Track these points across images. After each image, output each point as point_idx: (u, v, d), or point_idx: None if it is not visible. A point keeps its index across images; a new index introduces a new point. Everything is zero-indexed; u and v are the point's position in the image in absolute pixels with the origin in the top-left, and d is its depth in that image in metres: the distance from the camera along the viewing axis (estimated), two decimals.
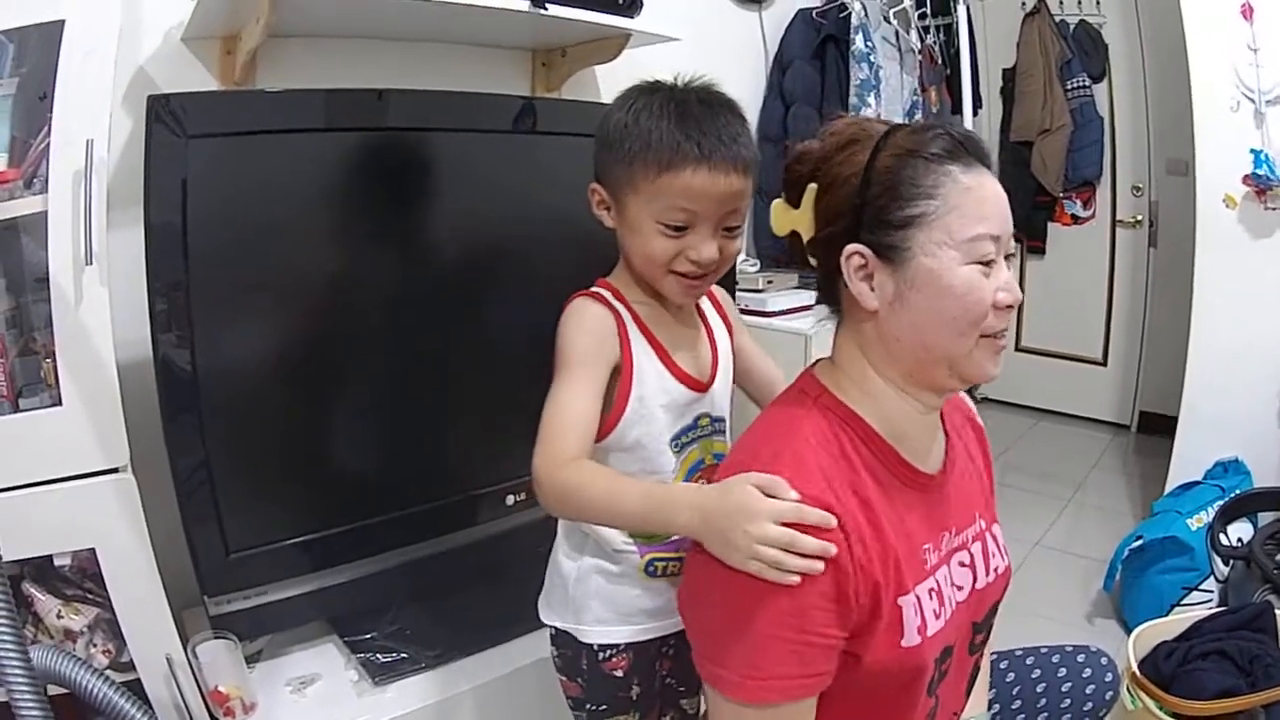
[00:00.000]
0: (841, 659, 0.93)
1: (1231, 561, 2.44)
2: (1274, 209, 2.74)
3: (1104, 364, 4.31)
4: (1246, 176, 2.72)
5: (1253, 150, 2.72)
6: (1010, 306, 0.92)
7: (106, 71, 1.33)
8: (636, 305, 1.15)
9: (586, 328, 1.11)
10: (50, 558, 1.41)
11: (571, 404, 1.07)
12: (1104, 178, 4.17)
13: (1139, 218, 4.12)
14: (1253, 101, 2.71)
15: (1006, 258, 0.95)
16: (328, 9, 1.70)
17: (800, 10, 3.00)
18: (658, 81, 1.12)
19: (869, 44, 2.87)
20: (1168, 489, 2.93)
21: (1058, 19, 4.11)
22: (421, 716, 1.60)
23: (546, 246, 1.76)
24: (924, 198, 0.90)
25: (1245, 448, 2.81)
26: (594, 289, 1.17)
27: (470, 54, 2.14)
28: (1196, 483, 2.80)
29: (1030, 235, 4.33)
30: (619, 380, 1.12)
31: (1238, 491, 2.63)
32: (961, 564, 1.06)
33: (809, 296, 2.70)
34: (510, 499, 1.87)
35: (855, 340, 1.01)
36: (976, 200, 0.91)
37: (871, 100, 2.85)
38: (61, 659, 1.26)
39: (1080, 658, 1.35)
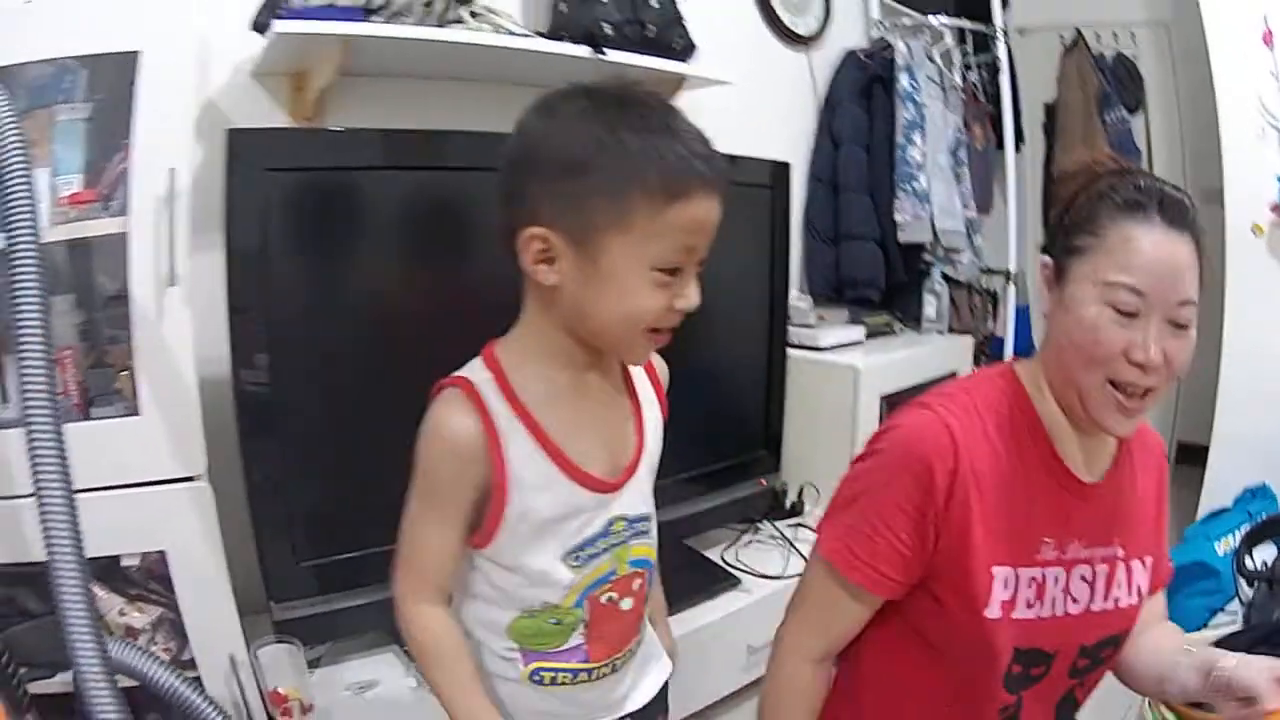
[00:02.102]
0: (927, 605, 1.02)
1: (1256, 584, 2.40)
2: None
3: None
4: (1275, 205, 2.68)
5: (1279, 178, 2.68)
6: (1140, 365, 0.93)
7: (185, 103, 1.39)
8: (534, 385, 0.92)
9: (444, 451, 0.90)
10: (117, 558, 1.44)
11: (431, 538, 0.93)
12: None
13: None
14: (1277, 129, 2.68)
15: (1179, 326, 0.94)
16: (396, 52, 1.75)
17: (849, 51, 3.01)
18: (584, 86, 0.88)
19: (914, 83, 2.87)
20: (1199, 516, 2.86)
21: (1095, 53, 4.04)
22: None
23: None
24: (1090, 234, 0.96)
25: (1274, 473, 2.75)
26: (464, 375, 0.93)
27: (531, 95, 2.16)
28: (1226, 509, 2.75)
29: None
30: (489, 500, 0.92)
31: (1264, 516, 2.59)
32: (1083, 578, 1.04)
33: (859, 332, 2.74)
34: None
35: (1042, 340, 1.07)
36: (1131, 251, 0.93)
37: (917, 139, 2.85)
38: (136, 653, 1.31)
39: None
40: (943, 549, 0.98)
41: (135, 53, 1.34)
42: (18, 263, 1.05)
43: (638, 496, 1.00)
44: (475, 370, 0.93)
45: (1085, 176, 1.02)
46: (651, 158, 0.81)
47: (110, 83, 1.39)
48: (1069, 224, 0.99)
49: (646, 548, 1.02)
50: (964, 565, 0.97)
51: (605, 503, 0.96)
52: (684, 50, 2.06)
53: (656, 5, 1.99)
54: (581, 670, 1.00)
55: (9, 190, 1.06)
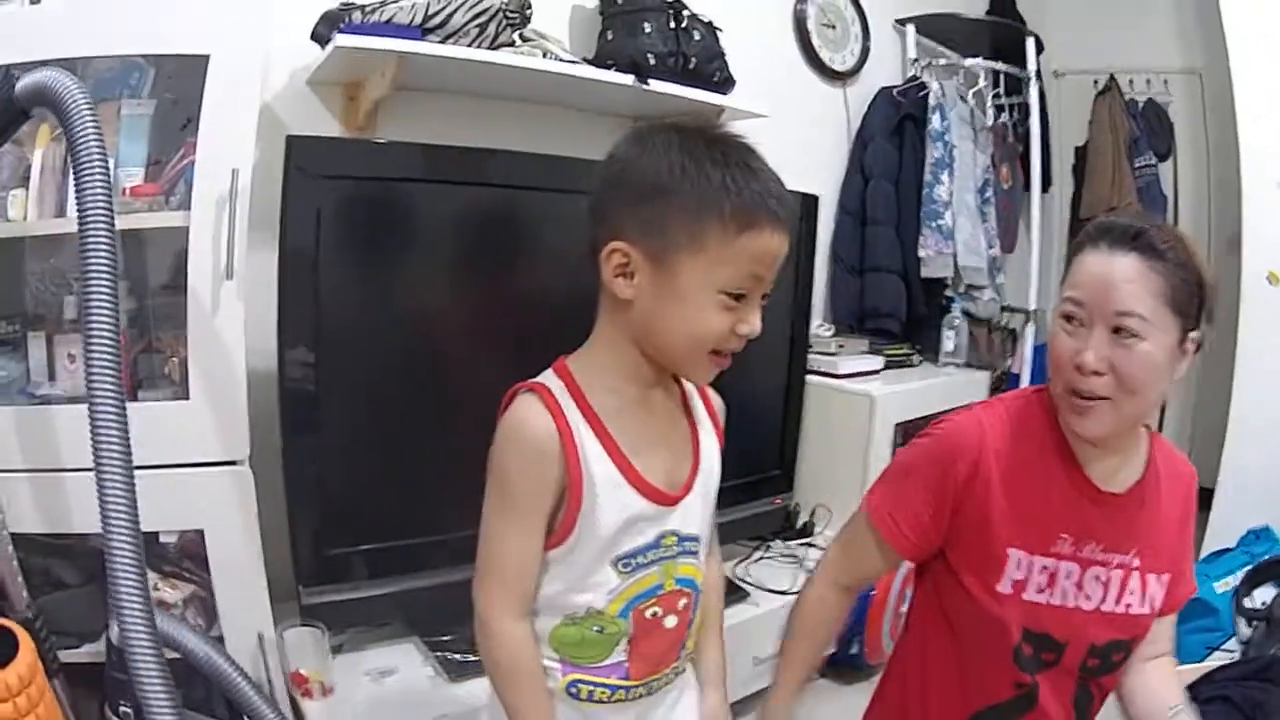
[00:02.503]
0: (951, 581, 1.14)
1: (1255, 623, 2.43)
2: None
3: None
4: None
5: None
6: (1080, 369, 1.03)
7: (252, 108, 1.45)
8: (602, 397, 0.95)
9: (525, 455, 0.92)
10: (156, 535, 1.51)
11: (513, 548, 0.93)
12: None
13: None
14: None
15: (1126, 335, 1.02)
16: (448, 70, 1.83)
17: (882, 89, 3.07)
18: (673, 122, 0.95)
19: (945, 123, 2.93)
20: (1202, 555, 2.86)
21: (1127, 98, 4.08)
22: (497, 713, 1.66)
23: None
24: (1070, 274, 1.09)
25: (1278, 516, 2.77)
26: (540, 381, 0.96)
27: (577, 118, 2.27)
28: (1229, 549, 2.78)
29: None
30: (565, 501, 0.94)
31: (1266, 557, 2.61)
32: (1097, 578, 1.13)
33: (878, 361, 2.79)
34: None
35: None
36: (1076, 272, 1.07)
37: (945, 178, 2.90)
38: (180, 627, 1.37)
39: None
40: (963, 524, 1.11)
41: (206, 56, 1.42)
42: (91, 247, 1.09)
43: (692, 515, 1.02)
44: (548, 378, 0.96)
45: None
46: (729, 189, 0.87)
47: (177, 82, 1.48)
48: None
49: (694, 568, 1.03)
50: (983, 542, 1.10)
51: (661, 515, 0.98)
52: (723, 83, 2.14)
53: (699, 38, 2.07)
54: (620, 688, 1.00)
55: (86, 178, 1.10)
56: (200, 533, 1.51)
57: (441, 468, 1.78)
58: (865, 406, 2.53)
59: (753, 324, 0.92)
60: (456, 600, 1.77)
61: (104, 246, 1.10)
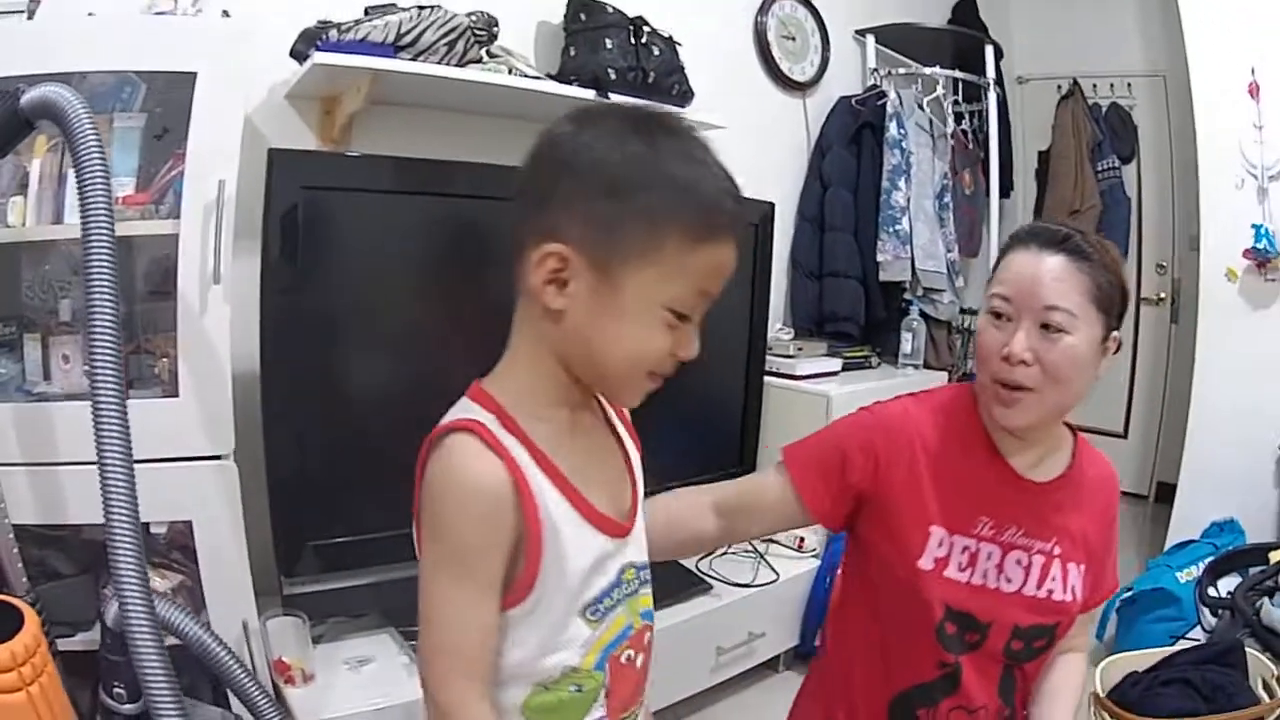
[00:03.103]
0: (874, 559, 1.23)
1: (1220, 612, 2.56)
2: (1273, 280, 2.91)
3: (1125, 436, 4.42)
4: (1247, 250, 2.89)
5: (1254, 225, 2.89)
6: (1007, 359, 1.13)
7: (236, 123, 1.60)
8: (536, 425, 0.83)
9: (475, 508, 0.79)
10: (147, 525, 1.61)
11: (470, 618, 0.81)
12: (1130, 256, 4.31)
13: (1162, 295, 4.26)
14: (1255, 178, 2.89)
15: (1053, 330, 1.11)
16: (419, 86, 1.98)
17: (842, 98, 3.25)
18: (611, 102, 0.86)
19: (902, 130, 3.10)
20: (1166, 547, 3.07)
21: (1091, 102, 4.29)
22: None
23: None
24: (998, 272, 1.20)
25: (1242, 508, 2.94)
26: (468, 417, 0.82)
27: (539, 130, 2.39)
28: (1193, 541, 2.93)
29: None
30: (523, 552, 0.81)
31: (1229, 548, 2.76)
32: (1018, 562, 1.20)
33: (836, 363, 2.96)
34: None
35: None
36: (1004, 269, 1.18)
37: (902, 184, 3.07)
38: (176, 612, 1.49)
39: None
40: (886, 501, 1.19)
41: (193, 73, 1.56)
42: (93, 252, 1.21)
43: (642, 542, 0.95)
44: (473, 411, 0.83)
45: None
46: (692, 191, 0.77)
47: (167, 97, 1.62)
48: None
49: (650, 598, 0.96)
50: (905, 519, 1.18)
51: (619, 549, 0.89)
52: (681, 95, 2.30)
53: (658, 53, 2.23)
54: None
55: (89, 188, 1.22)
56: (188, 524, 1.63)
57: (414, 463, 1.94)
58: (822, 406, 2.69)
59: (690, 347, 0.83)
60: None
61: (105, 251, 1.21)
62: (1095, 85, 4.31)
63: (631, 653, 0.92)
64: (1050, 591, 1.21)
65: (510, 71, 2.01)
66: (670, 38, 2.33)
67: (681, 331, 0.82)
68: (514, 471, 0.80)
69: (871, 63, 3.38)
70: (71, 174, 1.46)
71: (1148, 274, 4.32)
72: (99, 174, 1.22)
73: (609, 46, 2.15)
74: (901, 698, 1.23)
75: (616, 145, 0.78)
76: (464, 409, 0.84)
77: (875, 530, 1.22)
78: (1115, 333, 1.17)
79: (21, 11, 1.62)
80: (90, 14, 1.63)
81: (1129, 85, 4.25)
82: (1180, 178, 4.08)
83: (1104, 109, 4.29)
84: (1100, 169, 4.24)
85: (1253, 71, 2.89)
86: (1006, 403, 1.15)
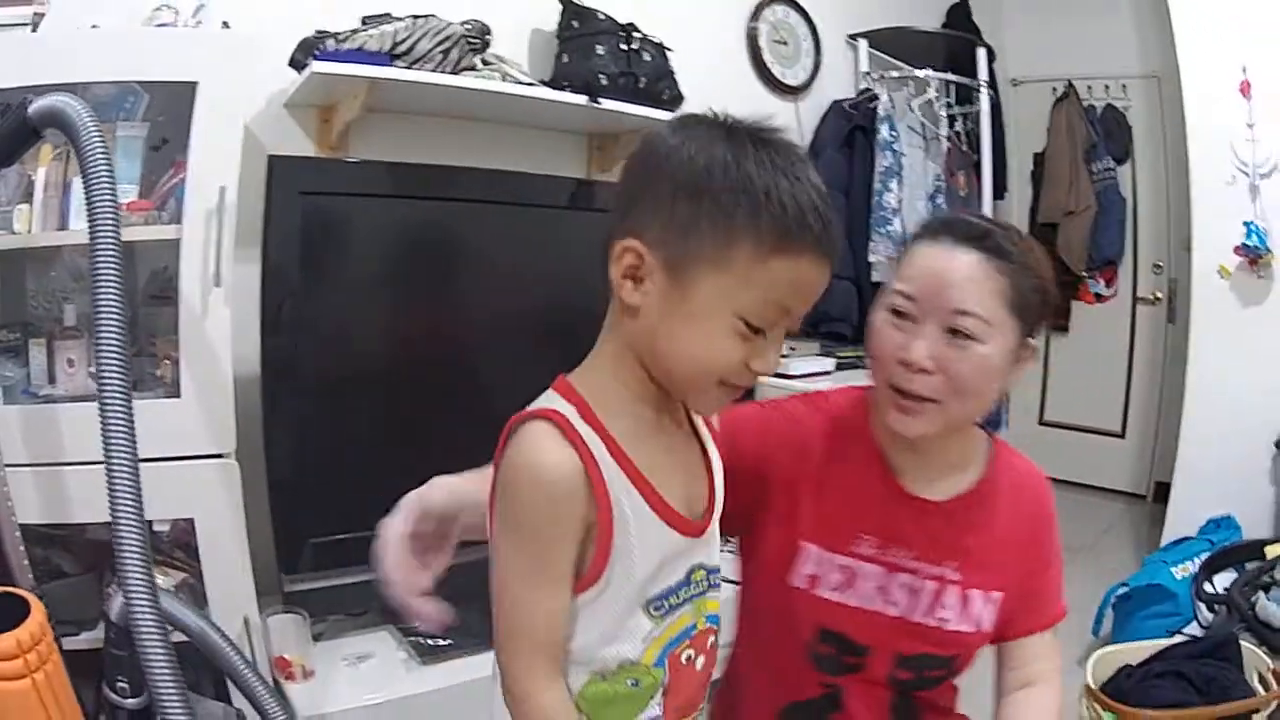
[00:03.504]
0: (753, 570, 1.16)
1: (1216, 608, 2.61)
2: (1264, 277, 2.97)
3: (1122, 436, 4.48)
4: (1238, 247, 2.95)
5: (1245, 223, 2.95)
6: (907, 365, 1.01)
7: (236, 131, 1.67)
8: (618, 421, 0.84)
9: (549, 497, 0.80)
10: (150, 524, 1.68)
11: (544, 605, 0.82)
12: (1126, 256, 4.39)
13: (1158, 294, 4.33)
14: (1247, 175, 2.95)
15: (961, 336, 1.00)
16: (415, 93, 2.05)
17: (834, 101, 3.32)
18: (720, 117, 0.84)
19: (893, 133, 3.17)
20: (1162, 544, 3.12)
21: (1086, 104, 4.37)
22: (460, 691, 1.84)
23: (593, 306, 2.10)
24: (903, 265, 1.09)
25: (1238, 505, 3.01)
26: (548, 407, 0.83)
27: (535, 135, 2.50)
28: (1189, 538, 2.99)
29: (1054, 314, 4.52)
30: (593, 540, 0.82)
31: (1226, 544, 2.83)
32: (905, 586, 1.09)
33: (829, 363, 3.04)
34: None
35: None
36: (909, 263, 1.06)
37: (894, 186, 3.14)
38: (180, 605, 1.54)
39: None
40: (764, 512, 1.11)
41: (194, 83, 1.63)
42: (100, 257, 1.24)
43: (714, 545, 0.95)
44: (555, 401, 0.84)
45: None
46: (770, 199, 0.77)
47: (169, 106, 1.69)
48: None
49: (717, 602, 0.96)
50: (780, 532, 1.10)
51: (690, 548, 0.90)
52: (672, 100, 2.38)
53: (649, 59, 2.31)
54: None
55: (97, 196, 1.26)
56: (191, 522, 1.70)
57: (417, 461, 2.00)
58: None
59: (767, 361, 0.82)
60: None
61: (112, 257, 1.25)
62: (1090, 87, 4.39)
63: (692, 653, 0.92)
64: (943, 620, 1.09)
65: (503, 78, 2.09)
66: (661, 44, 2.40)
67: (755, 344, 0.80)
68: (587, 460, 0.80)
69: (864, 66, 3.44)
70: (75, 181, 1.54)
71: (1144, 274, 4.39)
72: (105, 182, 1.26)
73: (600, 53, 2.23)
74: (787, 711, 1.15)
75: (703, 150, 0.79)
76: (547, 400, 0.85)
77: (749, 543, 1.16)
78: (1032, 340, 1.06)
79: (26, 23, 1.69)
80: (94, 26, 1.71)
81: (1124, 87, 4.33)
82: (1175, 178, 4.14)
83: (1099, 110, 4.37)
84: (1095, 170, 4.32)
85: (1244, 70, 2.95)
86: (906, 411, 1.03)
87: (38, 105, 1.30)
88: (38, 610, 1.24)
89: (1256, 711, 2.02)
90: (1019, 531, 1.14)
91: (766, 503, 1.11)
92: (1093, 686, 2.13)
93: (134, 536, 1.24)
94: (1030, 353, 1.06)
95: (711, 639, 0.96)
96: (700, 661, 0.94)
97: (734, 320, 0.79)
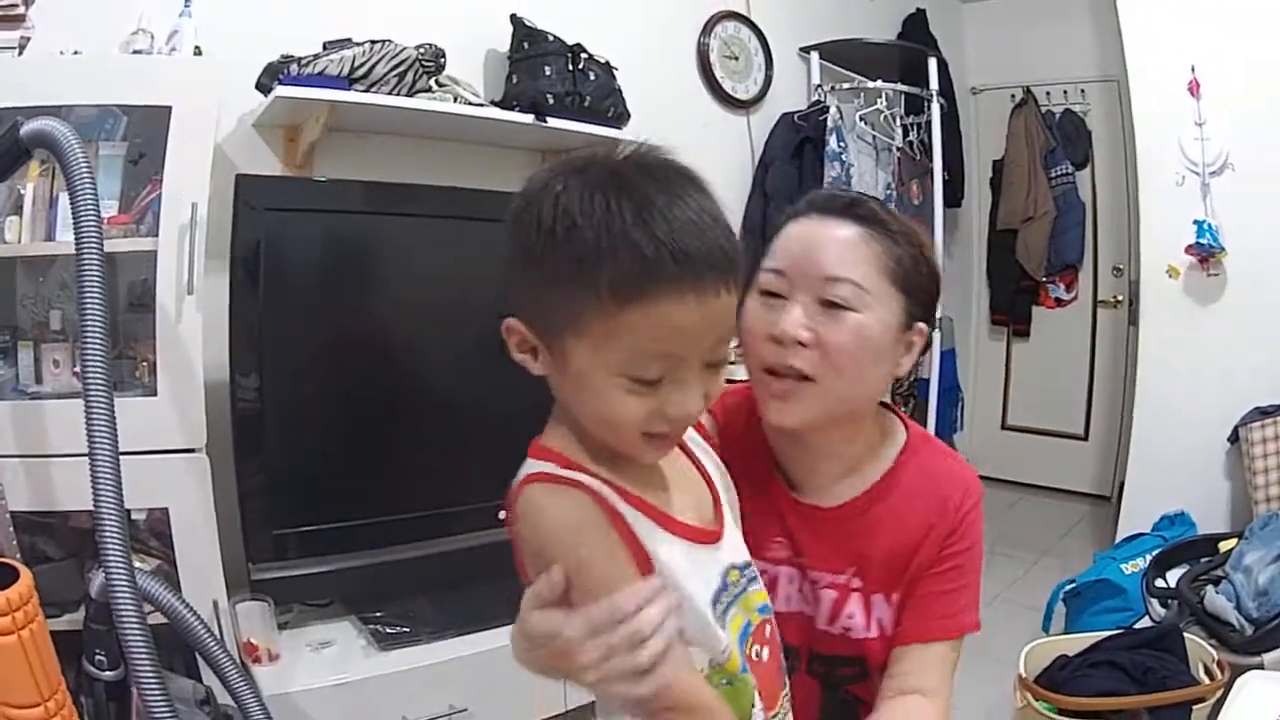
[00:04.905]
0: None
1: (1169, 603, 2.70)
2: (1216, 275, 3.13)
3: (1085, 439, 4.71)
4: (1189, 246, 3.10)
5: (1196, 221, 3.10)
6: (778, 340, 0.98)
7: (207, 151, 1.90)
8: (597, 467, 0.83)
9: (581, 531, 0.79)
10: (129, 513, 1.80)
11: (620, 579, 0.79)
12: (1086, 260, 4.62)
13: (1119, 298, 4.55)
14: (1197, 175, 3.11)
15: (836, 307, 0.98)
16: (373, 114, 2.30)
17: (784, 114, 3.57)
18: (591, 152, 0.80)
19: (841, 144, 3.41)
20: (1115, 541, 3.29)
21: (1045, 109, 4.60)
22: (417, 675, 2.07)
23: None
24: (771, 247, 1.06)
25: (1192, 501, 3.17)
26: (544, 469, 0.82)
27: (488, 152, 2.75)
28: (1142, 534, 3.14)
29: (1015, 319, 4.80)
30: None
31: (1178, 540, 2.96)
32: (812, 589, 1.09)
33: None
34: (501, 514, 2.37)
35: None
36: (777, 243, 1.05)
37: None
38: (155, 584, 1.71)
39: None
40: None
41: (168, 107, 1.86)
42: (85, 267, 1.45)
43: (738, 542, 0.95)
44: (538, 466, 0.83)
45: None
46: (605, 250, 0.72)
47: (146, 128, 1.92)
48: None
49: (763, 592, 0.97)
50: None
51: (713, 555, 0.89)
52: (617, 118, 2.63)
53: (594, 78, 2.56)
54: None
55: (82, 211, 1.47)
56: (165, 510, 1.92)
57: (377, 458, 2.25)
58: None
59: (686, 404, 0.78)
60: (387, 579, 2.23)
61: (95, 266, 1.45)
62: (1049, 93, 4.62)
63: (758, 648, 0.93)
64: (847, 629, 1.07)
65: (455, 99, 2.34)
66: (607, 63, 2.66)
67: (662, 392, 0.77)
68: (594, 495, 0.80)
69: (816, 79, 3.70)
70: (62, 196, 1.76)
71: (1105, 277, 4.61)
72: (90, 198, 1.47)
73: (548, 73, 2.48)
74: None
75: (550, 206, 0.74)
76: (526, 468, 0.84)
77: None
78: (920, 324, 1.03)
79: (13, 48, 1.91)
80: (75, 51, 1.94)
81: (1083, 91, 4.56)
82: (1134, 180, 4.29)
83: (1057, 116, 4.60)
84: (1054, 175, 4.55)
85: (1192, 70, 3.10)
86: (778, 395, 1.00)
87: (28, 127, 1.50)
88: (25, 575, 1.39)
89: (1200, 701, 2.09)
90: (914, 535, 1.07)
91: None
92: (1024, 675, 2.21)
93: (114, 520, 1.44)
94: (920, 337, 1.03)
95: (769, 628, 0.96)
96: (766, 653, 0.95)
97: (617, 379, 0.76)
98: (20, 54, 1.91)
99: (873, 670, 1.09)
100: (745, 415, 1.10)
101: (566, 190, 0.74)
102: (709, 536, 0.89)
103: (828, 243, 0.99)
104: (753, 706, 0.89)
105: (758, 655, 0.93)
